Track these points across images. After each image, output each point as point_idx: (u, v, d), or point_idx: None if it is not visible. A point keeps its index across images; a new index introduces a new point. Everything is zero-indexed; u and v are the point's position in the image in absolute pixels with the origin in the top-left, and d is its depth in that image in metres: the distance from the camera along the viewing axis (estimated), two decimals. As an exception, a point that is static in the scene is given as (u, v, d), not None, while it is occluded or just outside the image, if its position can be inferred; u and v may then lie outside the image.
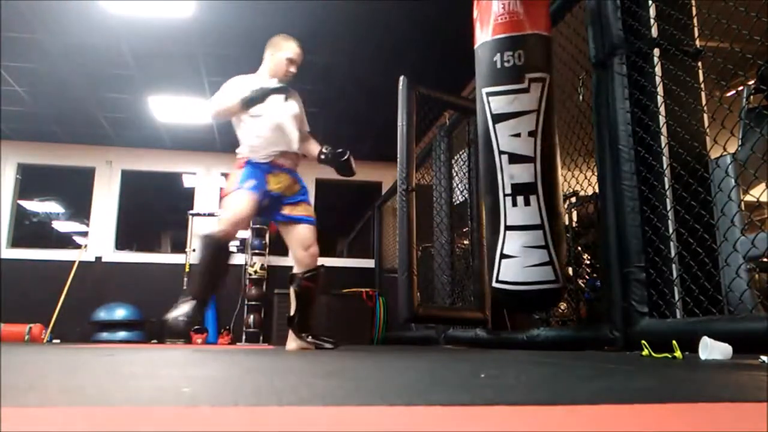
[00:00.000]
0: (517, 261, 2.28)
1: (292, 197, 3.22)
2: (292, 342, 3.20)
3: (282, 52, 3.28)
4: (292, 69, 3.30)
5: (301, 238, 3.23)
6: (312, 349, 3.11)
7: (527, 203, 2.29)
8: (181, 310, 2.90)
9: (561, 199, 2.44)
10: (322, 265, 3.33)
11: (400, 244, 3.35)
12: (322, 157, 3.35)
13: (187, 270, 6.69)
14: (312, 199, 7.43)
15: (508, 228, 2.30)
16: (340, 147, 3.36)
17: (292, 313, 3.27)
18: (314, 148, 3.40)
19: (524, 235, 2.29)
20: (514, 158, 2.30)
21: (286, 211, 3.21)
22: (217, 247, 3.04)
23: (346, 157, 3.32)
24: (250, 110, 3.10)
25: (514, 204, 2.29)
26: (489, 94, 2.34)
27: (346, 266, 7.39)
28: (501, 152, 2.32)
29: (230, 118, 3.22)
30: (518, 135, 2.30)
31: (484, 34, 2.40)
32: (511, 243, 2.30)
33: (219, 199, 3.21)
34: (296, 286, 3.27)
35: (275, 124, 3.17)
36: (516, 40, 2.34)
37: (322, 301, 5.91)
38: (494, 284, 2.36)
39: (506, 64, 2.32)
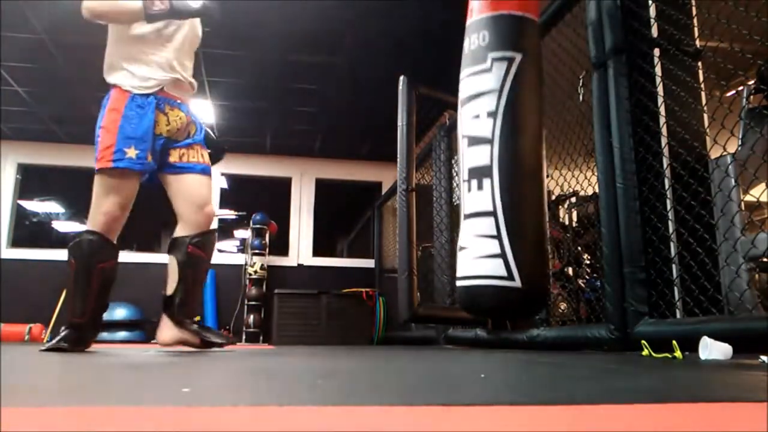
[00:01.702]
0: (467, 252, 2.08)
1: (184, 141, 2.49)
2: (168, 331, 2.42)
3: None
4: None
5: (192, 192, 2.45)
6: (196, 343, 2.41)
7: (480, 187, 2.09)
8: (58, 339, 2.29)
9: (535, 189, 2.19)
10: (216, 229, 2.60)
11: (400, 244, 3.35)
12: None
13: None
14: (312, 199, 7.49)
15: (466, 217, 2.13)
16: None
17: (169, 291, 2.42)
18: None
19: (476, 222, 2.07)
20: (473, 141, 2.15)
21: (174, 158, 2.45)
22: (95, 252, 2.28)
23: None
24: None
25: (469, 189, 2.12)
26: (461, 81, 2.27)
27: (346, 266, 7.39)
28: (463, 136, 2.19)
29: (113, 23, 2.44)
30: (477, 116, 2.16)
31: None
32: (465, 233, 2.11)
33: (98, 167, 2.33)
34: (181, 254, 2.43)
35: (173, 43, 2.46)
36: (481, 22, 2.26)
37: (323, 301, 5.93)
38: (457, 282, 2.16)
39: (473, 47, 2.24)
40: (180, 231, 2.49)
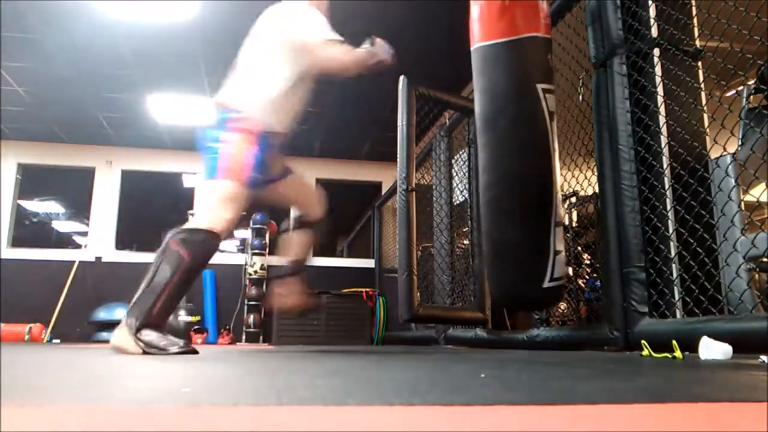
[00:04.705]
0: (562, 255, 2.35)
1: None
2: (292, 297, 2.70)
3: None
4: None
5: (301, 183, 2.84)
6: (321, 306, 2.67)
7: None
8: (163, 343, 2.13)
9: None
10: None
11: (400, 244, 3.35)
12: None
13: (187, 270, 6.68)
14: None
15: (556, 224, 2.33)
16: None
17: (293, 258, 2.79)
18: None
19: (561, 230, 2.38)
20: (557, 157, 2.37)
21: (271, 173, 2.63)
22: (210, 255, 2.31)
23: None
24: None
25: (558, 201, 2.37)
26: (545, 91, 2.32)
27: (346, 266, 7.40)
28: (554, 150, 2.35)
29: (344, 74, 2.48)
30: (557, 135, 2.36)
31: (527, 27, 2.31)
32: (559, 239, 2.35)
33: (227, 177, 2.35)
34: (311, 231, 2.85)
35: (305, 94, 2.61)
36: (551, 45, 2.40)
37: (323, 301, 5.93)
38: (548, 283, 2.30)
39: (552, 65, 2.37)
40: (308, 214, 2.91)
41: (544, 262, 2.28)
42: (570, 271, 3.36)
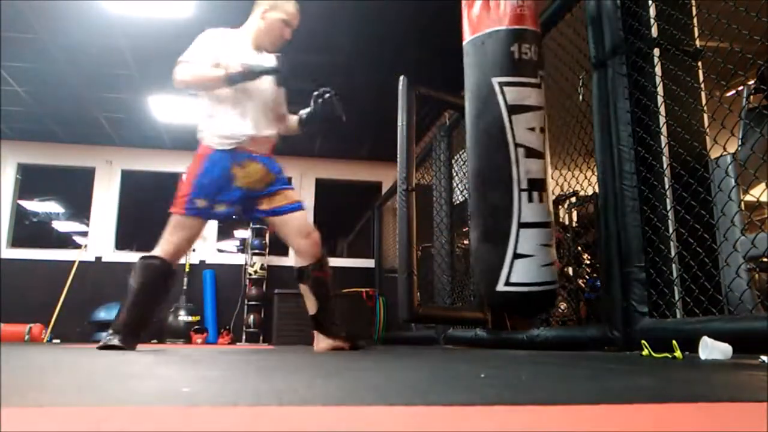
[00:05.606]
0: (533, 260, 2.19)
1: (266, 189, 2.76)
2: (323, 342, 2.81)
3: (276, 12, 2.80)
4: (287, 34, 2.84)
5: (295, 226, 2.78)
6: (346, 348, 2.77)
7: (540, 200, 2.26)
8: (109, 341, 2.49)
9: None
10: (326, 254, 2.91)
11: (400, 244, 3.35)
12: (304, 117, 2.96)
13: (187, 270, 6.68)
14: (312, 199, 7.47)
15: (522, 225, 2.21)
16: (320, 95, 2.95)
17: (313, 311, 2.84)
18: (293, 119, 3.00)
19: (538, 232, 2.23)
20: (531, 152, 2.24)
21: (264, 205, 2.76)
22: (158, 274, 2.63)
23: (328, 96, 2.90)
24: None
25: (530, 200, 2.22)
26: (504, 84, 2.28)
27: (346, 266, 7.39)
28: (517, 145, 2.24)
29: (200, 91, 2.75)
30: (533, 129, 2.27)
31: (491, 22, 2.35)
32: (526, 241, 2.21)
33: (172, 211, 2.73)
34: (310, 281, 2.81)
35: (250, 103, 2.73)
36: (532, 35, 2.37)
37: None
38: (503, 287, 2.21)
39: (524, 56, 2.31)
40: (299, 261, 2.85)
41: (498, 264, 2.19)
42: (570, 271, 3.35)
